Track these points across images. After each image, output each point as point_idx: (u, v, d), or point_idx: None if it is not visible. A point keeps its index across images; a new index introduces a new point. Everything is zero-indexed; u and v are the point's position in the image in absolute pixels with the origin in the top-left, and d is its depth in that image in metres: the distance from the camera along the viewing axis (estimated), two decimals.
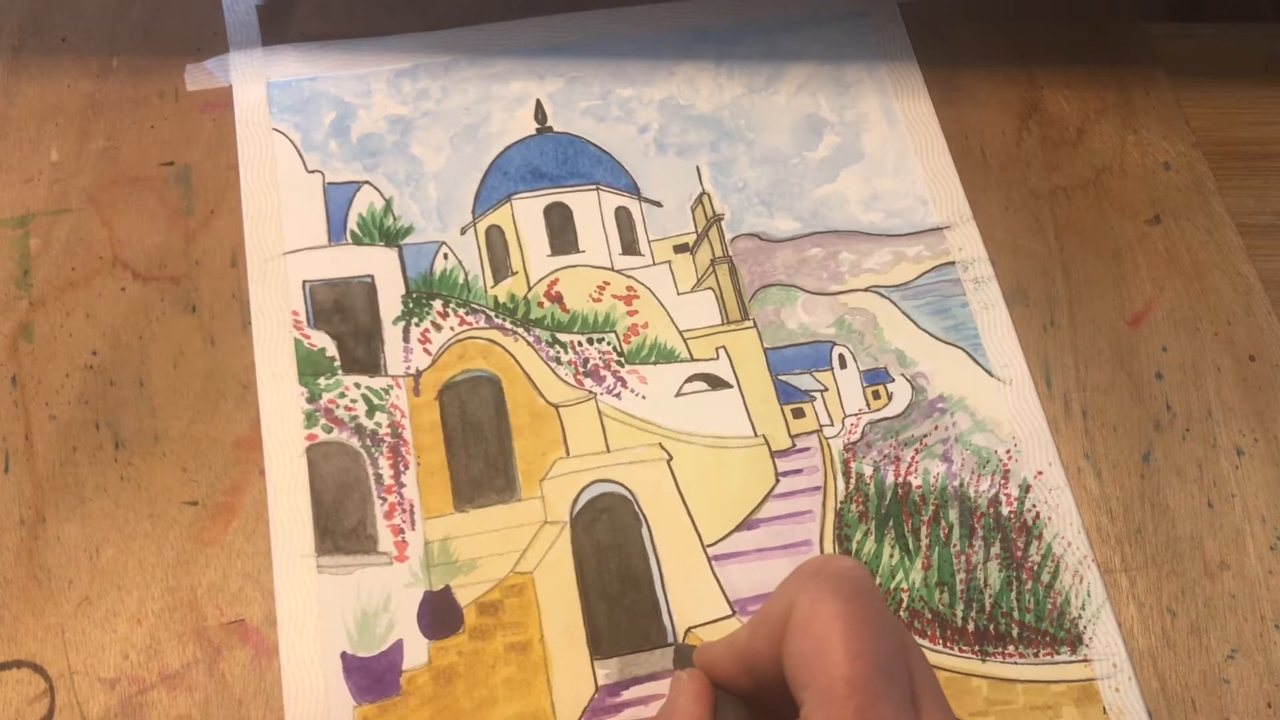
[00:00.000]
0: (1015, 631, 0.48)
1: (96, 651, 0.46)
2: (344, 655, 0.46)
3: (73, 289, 0.53)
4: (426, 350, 0.52)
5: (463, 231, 0.55)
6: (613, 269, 0.55)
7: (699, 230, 0.56)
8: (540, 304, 0.54)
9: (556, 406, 0.51)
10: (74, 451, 0.50)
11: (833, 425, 0.52)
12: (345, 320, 0.53)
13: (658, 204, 0.57)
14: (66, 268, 0.53)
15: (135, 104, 0.57)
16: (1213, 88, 0.62)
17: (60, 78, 0.58)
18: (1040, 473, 0.51)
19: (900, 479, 0.51)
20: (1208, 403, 0.53)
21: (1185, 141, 0.59)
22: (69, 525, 0.48)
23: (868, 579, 0.33)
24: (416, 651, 0.46)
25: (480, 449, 0.50)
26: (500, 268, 0.55)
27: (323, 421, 0.50)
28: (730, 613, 0.48)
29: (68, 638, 0.46)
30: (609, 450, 0.51)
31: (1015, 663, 0.47)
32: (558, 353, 0.53)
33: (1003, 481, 0.51)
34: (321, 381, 0.51)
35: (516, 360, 0.52)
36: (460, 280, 0.54)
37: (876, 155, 0.58)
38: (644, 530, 0.49)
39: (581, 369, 0.52)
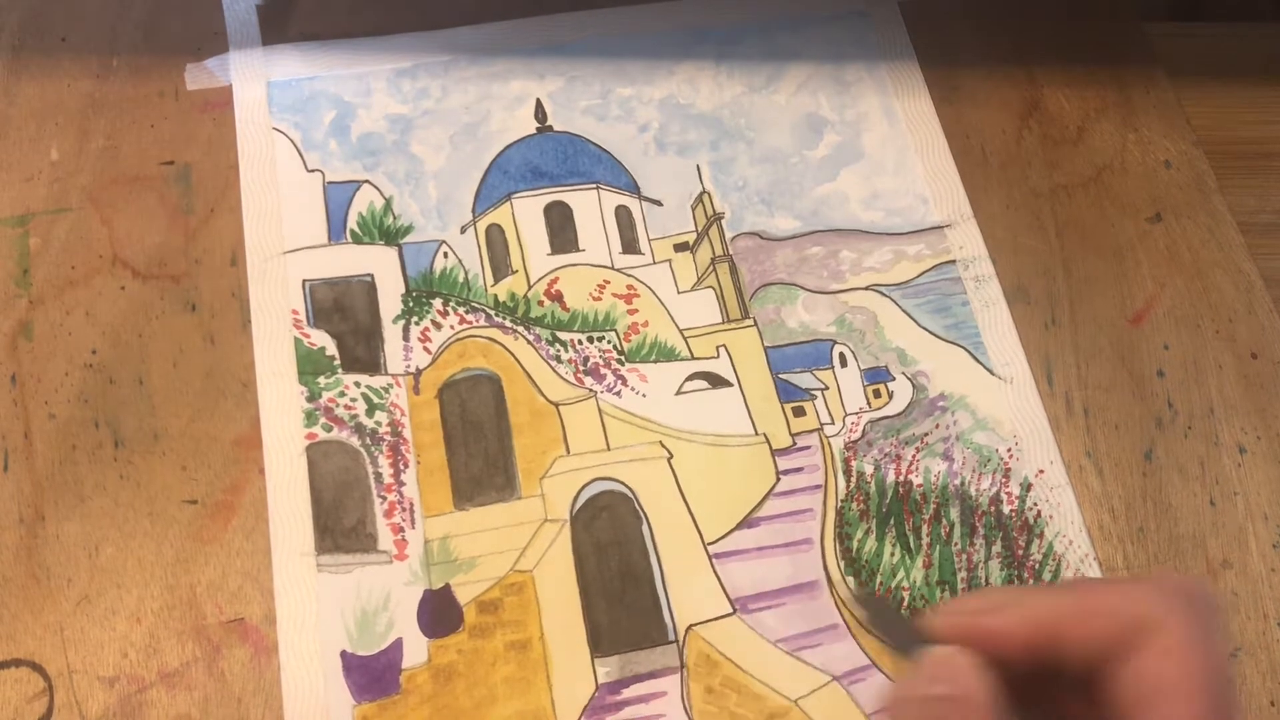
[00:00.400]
0: None
1: (95, 650, 0.46)
2: (343, 654, 0.46)
3: (72, 288, 0.53)
4: (426, 349, 0.52)
5: (463, 230, 0.55)
6: (613, 268, 0.55)
7: (699, 229, 0.56)
8: (540, 302, 0.54)
9: (556, 405, 0.51)
10: (73, 450, 0.49)
11: (833, 424, 0.52)
12: (345, 319, 0.53)
13: (658, 203, 0.56)
14: (66, 266, 0.53)
15: (135, 103, 0.57)
16: (1213, 88, 0.62)
17: (60, 77, 0.58)
18: (1041, 471, 0.51)
19: (901, 477, 0.51)
20: (1209, 400, 0.53)
21: (1186, 139, 0.59)
22: (68, 524, 0.48)
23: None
24: (416, 650, 0.46)
25: (480, 447, 0.50)
26: (500, 266, 0.55)
27: (322, 420, 0.50)
28: (731, 610, 0.48)
29: (67, 636, 0.46)
30: (609, 448, 0.50)
31: None
32: (558, 351, 0.53)
33: (1004, 480, 0.51)
34: (321, 380, 0.51)
35: (516, 359, 0.52)
36: (460, 279, 0.54)
37: (877, 154, 0.58)
38: (644, 528, 0.49)
39: (582, 367, 0.52)
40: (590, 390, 0.52)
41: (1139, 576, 0.30)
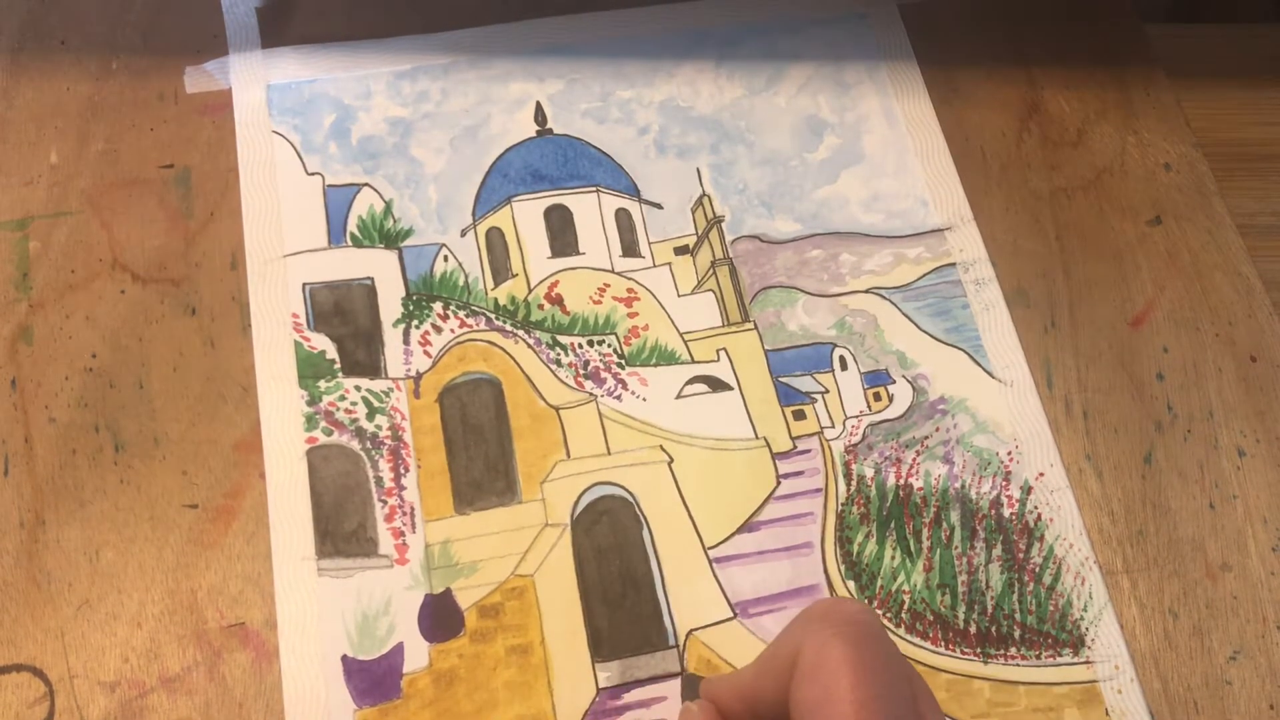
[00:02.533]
0: (1017, 633, 0.48)
1: (96, 655, 0.46)
2: (344, 658, 0.46)
3: (72, 291, 0.53)
4: (427, 352, 0.52)
5: (463, 234, 0.55)
6: (613, 271, 0.55)
7: (699, 232, 0.56)
8: (540, 306, 0.54)
9: (557, 409, 0.51)
10: (73, 454, 0.49)
11: (834, 427, 0.52)
12: (345, 323, 0.53)
13: (658, 206, 0.56)
14: (66, 270, 0.53)
15: (135, 106, 0.57)
16: (1213, 88, 0.62)
17: (59, 80, 0.58)
18: (1041, 474, 0.51)
19: (901, 481, 0.51)
20: (1209, 403, 0.53)
21: (1186, 142, 0.59)
22: (69, 528, 0.48)
23: (876, 624, 0.33)
24: (417, 654, 0.46)
25: (481, 451, 0.50)
26: (500, 270, 0.55)
27: (323, 424, 0.50)
28: (731, 615, 0.48)
29: (67, 641, 0.46)
30: (610, 452, 0.50)
31: (1017, 665, 0.47)
32: (558, 355, 0.53)
33: (1004, 483, 0.51)
34: (322, 384, 0.51)
35: (517, 362, 0.52)
36: (460, 282, 0.54)
37: (877, 157, 0.58)
38: (645, 532, 0.49)
39: (582, 371, 0.52)
40: (591, 394, 0.52)
41: (796, 617, 0.34)
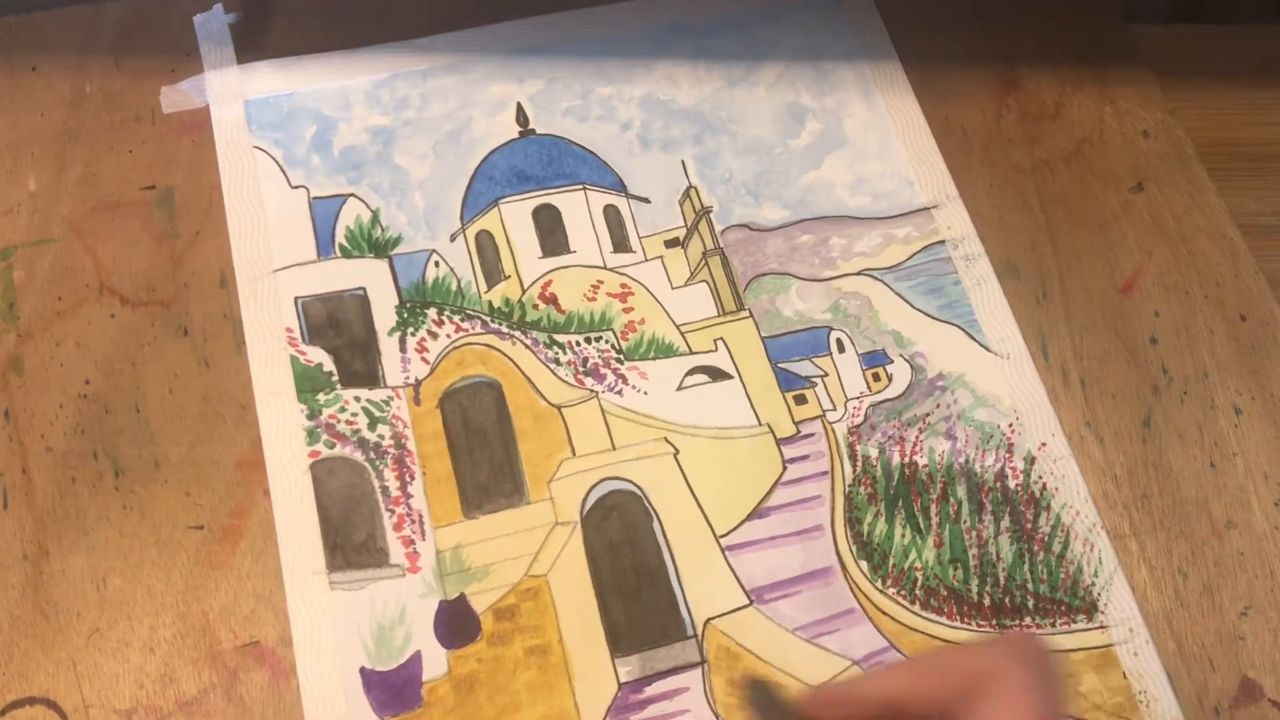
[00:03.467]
0: (1031, 603, 0.48)
1: (110, 683, 0.45)
2: (363, 670, 0.46)
3: (61, 319, 0.52)
4: (424, 359, 0.52)
5: (452, 238, 0.55)
6: (605, 267, 0.55)
7: (688, 224, 0.56)
8: (535, 306, 0.54)
9: (559, 407, 0.51)
10: (73, 482, 0.49)
11: (835, 410, 0.52)
12: (340, 334, 0.52)
13: (645, 200, 0.56)
14: (53, 298, 0.53)
15: (111, 129, 0.57)
16: (1212, 88, 0.62)
17: (33, 107, 0.57)
18: (1044, 444, 0.51)
19: (906, 459, 0.51)
20: (1203, 364, 0.53)
21: (1162, 109, 0.60)
22: (73, 557, 0.47)
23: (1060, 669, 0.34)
24: (436, 662, 0.46)
25: (485, 454, 0.50)
26: (492, 272, 0.54)
27: (324, 437, 0.50)
28: (747, 601, 0.48)
29: (80, 671, 0.45)
30: (614, 448, 0.50)
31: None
32: (556, 354, 0.52)
33: (1007, 455, 0.51)
34: (321, 397, 0.51)
35: (515, 364, 0.52)
36: (453, 287, 0.54)
37: (859, 139, 0.58)
38: (655, 525, 0.49)
39: (581, 368, 0.52)
40: (591, 391, 0.52)
41: (985, 640, 0.35)
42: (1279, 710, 0.46)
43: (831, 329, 0.54)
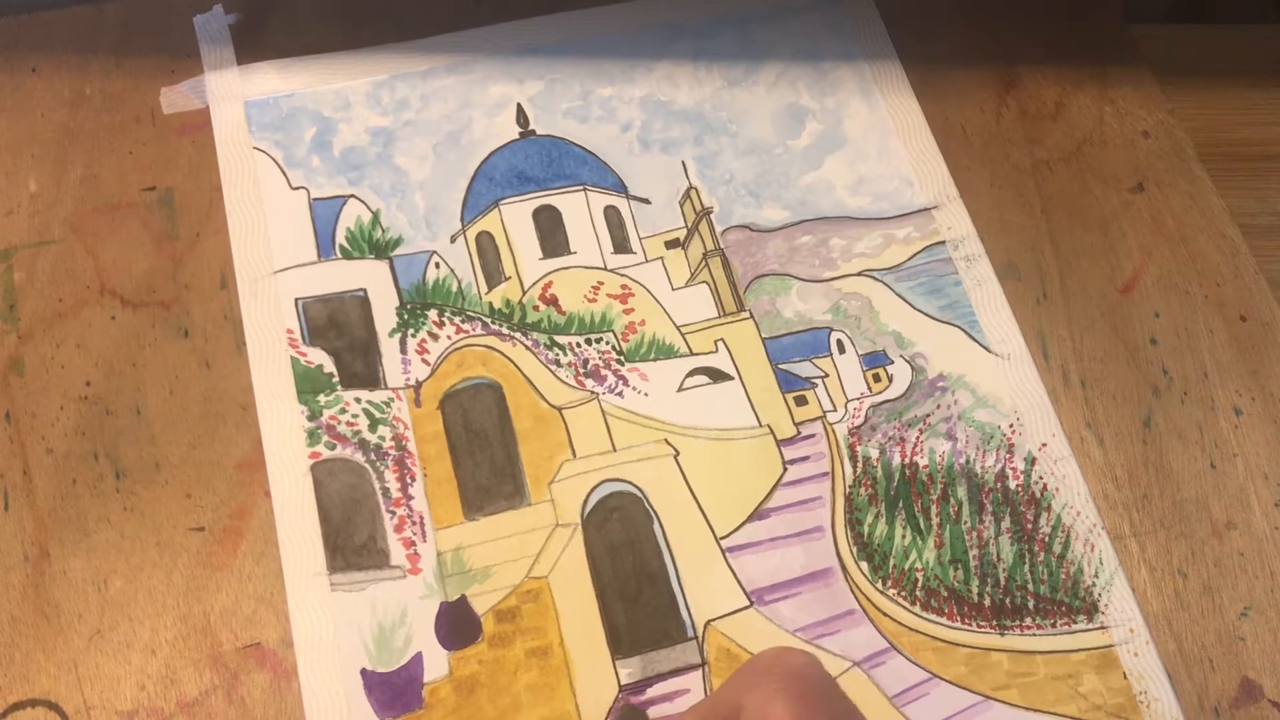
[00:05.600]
0: (1031, 604, 0.48)
1: (112, 685, 0.45)
2: (364, 672, 0.46)
3: (61, 320, 0.52)
4: (425, 360, 0.52)
5: (452, 240, 0.55)
6: (606, 268, 0.55)
7: (689, 225, 0.56)
8: (536, 307, 0.54)
9: (559, 409, 0.51)
10: (74, 484, 0.49)
11: (836, 411, 0.52)
12: (341, 335, 0.52)
13: (646, 201, 0.56)
14: (53, 299, 0.53)
15: (112, 130, 0.57)
16: (1213, 88, 0.62)
17: (33, 108, 0.57)
18: (1044, 445, 0.51)
19: (907, 460, 0.51)
20: (1203, 365, 0.53)
21: (1162, 109, 0.60)
22: (74, 559, 0.47)
23: (820, 675, 0.33)
24: (437, 663, 0.46)
25: (486, 456, 0.50)
26: (493, 273, 0.54)
27: (325, 438, 0.50)
28: (748, 603, 0.48)
29: (81, 673, 0.46)
30: (615, 449, 0.50)
31: (1034, 635, 0.48)
32: (557, 355, 0.52)
33: (1008, 456, 0.51)
34: (321, 398, 0.51)
35: (516, 365, 0.52)
36: (454, 288, 0.54)
37: (859, 140, 0.58)
38: (656, 527, 0.49)
39: (582, 370, 0.52)
40: (592, 392, 0.52)
41: (738, 669, 0.35)
42: (1279, 711, 0.47)
43: (832, 330, 0.54)
